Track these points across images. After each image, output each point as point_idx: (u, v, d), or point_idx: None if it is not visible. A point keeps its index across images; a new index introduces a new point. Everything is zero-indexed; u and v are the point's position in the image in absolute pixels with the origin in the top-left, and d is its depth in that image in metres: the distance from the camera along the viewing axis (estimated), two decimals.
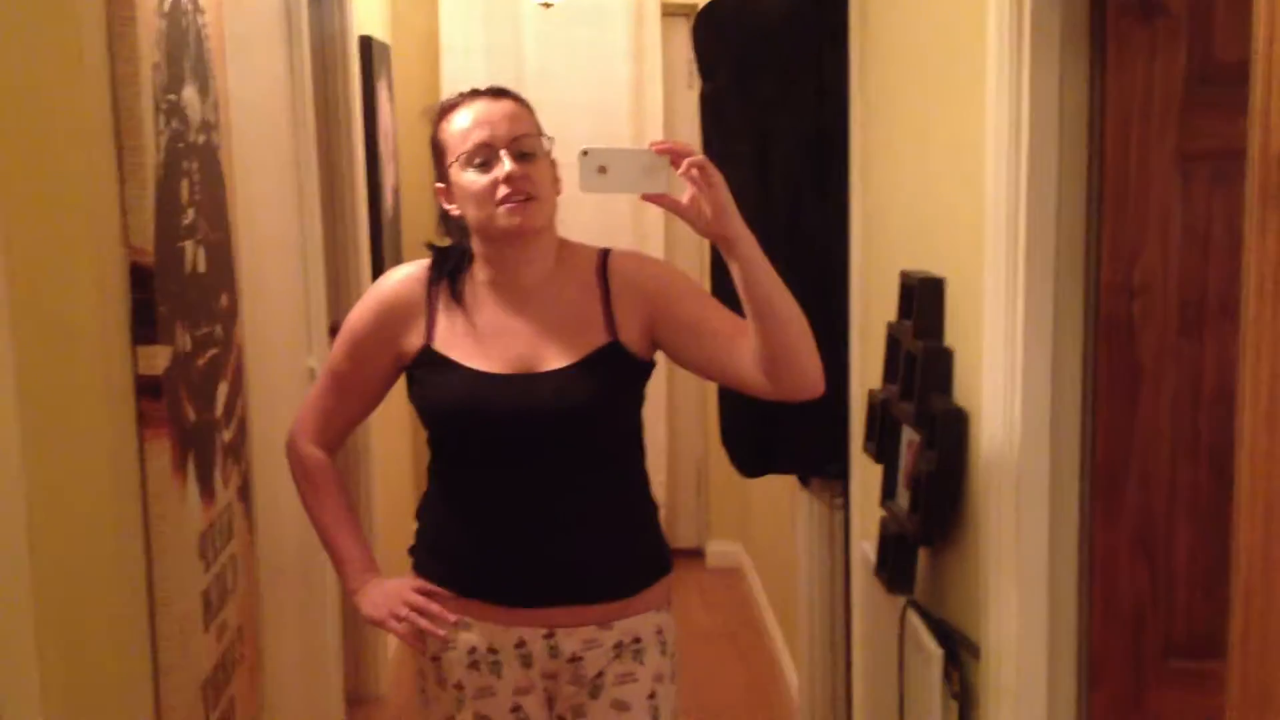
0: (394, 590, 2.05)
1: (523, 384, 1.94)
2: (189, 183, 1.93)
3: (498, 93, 2.00)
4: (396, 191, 4.45)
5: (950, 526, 2.15)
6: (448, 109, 2.00)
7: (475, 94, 2.00)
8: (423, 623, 2.01)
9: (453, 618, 2.01)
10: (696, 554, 5.47)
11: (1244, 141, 0.97)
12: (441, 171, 2.00)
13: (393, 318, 2.03)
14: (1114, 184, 1.74)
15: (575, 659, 2.00)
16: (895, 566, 2.33)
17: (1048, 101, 1.76)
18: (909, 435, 2.28)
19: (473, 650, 2.01)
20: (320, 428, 2.12)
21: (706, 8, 3.30)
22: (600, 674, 2.00)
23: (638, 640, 2.02)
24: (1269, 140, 0.89)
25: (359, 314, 2.06)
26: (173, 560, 1.77)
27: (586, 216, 4.39)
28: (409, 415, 2.11)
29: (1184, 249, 1.74)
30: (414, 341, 2.00)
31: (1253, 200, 0.90)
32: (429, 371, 1.99)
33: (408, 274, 2.06)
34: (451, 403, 1.97)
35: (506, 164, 1.91)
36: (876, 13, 2.71)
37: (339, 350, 2.08)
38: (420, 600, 2.02)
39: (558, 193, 2.00)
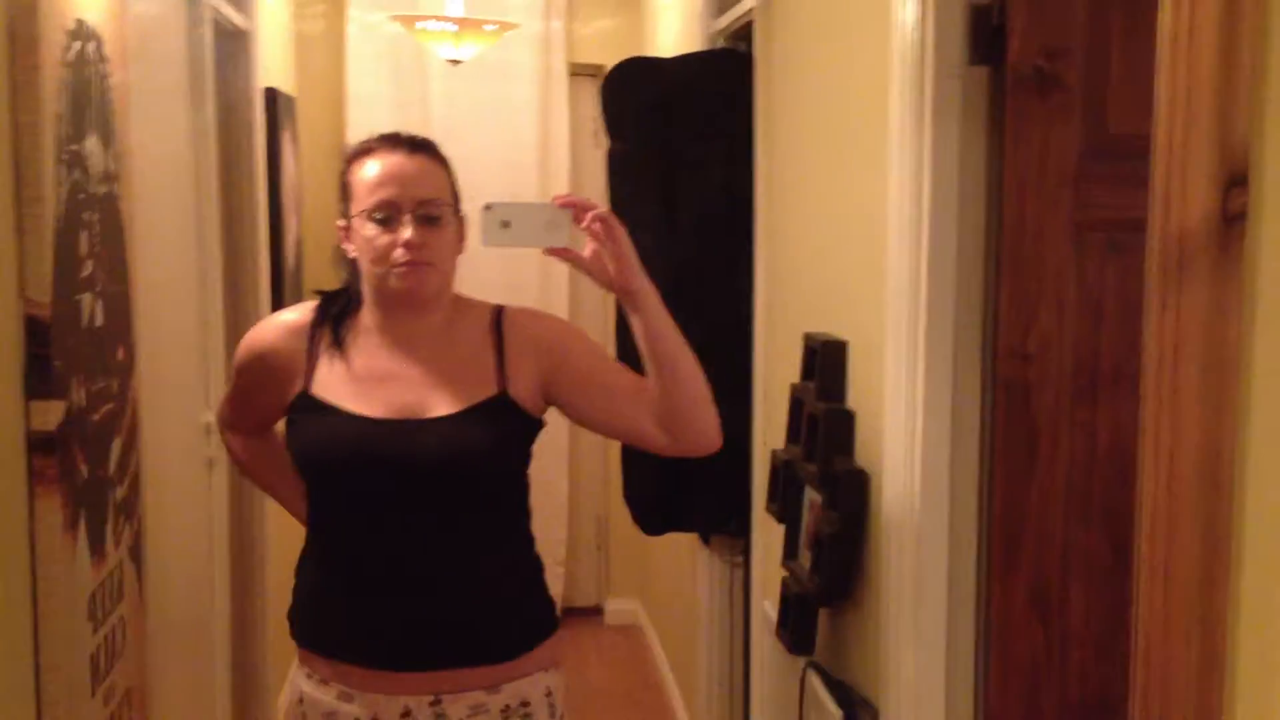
0: None
1: (404, 429, 1.90)
2: (89, 234, 1.89)
3: (415, 146, 1.95)
4: (299, 242, 4.40)
5: (851, 587, 2.17)
6: (361, 153, 1.95)
7: (393, 143, 1.94)
8: None
9: None
10: (596, 611, 5.44)
11: (1136, 212, 1.01)
12: (345, 210, 1.98)
13: (267, 368, 2.01)
14: (1010, 252, 1.78)
15: None
16: (796, 627, 2.34)
17: (948, 169, 1.80)
18: (811, 495, 2.30)
19: None
20: (238, 423, 2.19)
21: (615, 69, 3.34)
22: None
23: (525, 704, 1.97)
24: (1169, 219, 0.92)
25: (240, 356, 2.08)
26: (61, 622, 1.72)
27: (491, 272, 4.38)
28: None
29: (1078, 316, 1.79)
30: (292, 388, 1.97)
31: (1152, 277, 0.94)
32: (306, 415, 1.95)
33: (287, 321, 2.03)
34: (327, 446, 1.92)
35: (407, 230, 1.87)
36: (781, 78, 2.76)
37: (235, 369, 2.12)
38: None
39: (460, 252, 1.98)
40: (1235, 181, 0.90)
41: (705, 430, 1.91)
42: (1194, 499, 0.91)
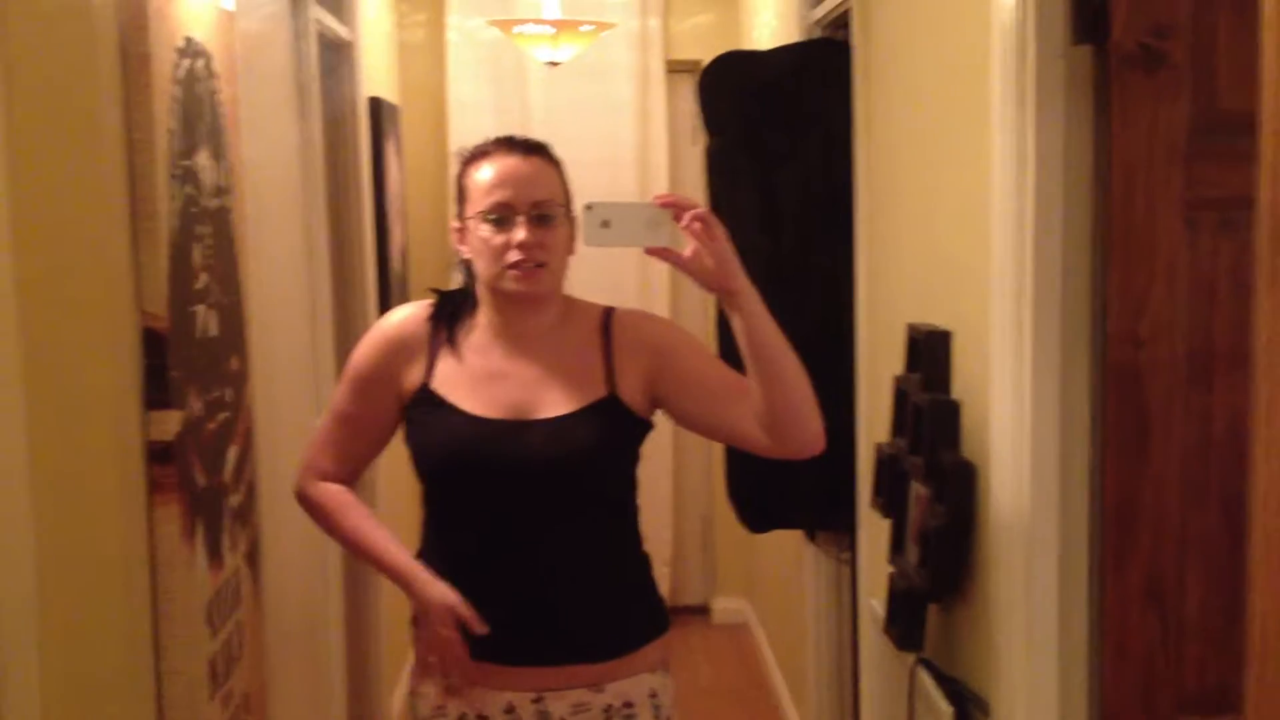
0: (439, 615, 1.96)
1: (516, 430, 1.94)
2: (201, 247, 1.95)
3: (530, 149, 1.99)
4: (404, 251, 4.48)
5: (960, 581, 2.14)
6: (477, 156, 1.99)
7: (508, 146, 1.98)
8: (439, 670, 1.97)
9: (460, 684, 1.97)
10: (702, 610, 5.44)
11: (1249, 190, 0.98)
12: (460, 212, 2.01)
13: (396, 354, 2.02)
14: (1120, 234, 1.74)
15: None
16: (904, 623, 2.31)
17: (1053, 152, 1.77)
18: (917, 489, 2.27)
19: (463, 716, 1.98)
20: (331, 468, 2.07)
21: (711, 64, 3.34)
22: None
23: (629, 705, 1.98)
24: (1277, 189, 0.90)
25: (363, 352, 2.06)
26: (180, 627, 1.77)
27: (592, 271, 4.40)
28: (410, 479, 2.10)
29: (1191, 298, 1.74)
30: (414, 379, 2.00)
31: (1263, 251, 0.91)
32: (425, 412, 1.98)
33: (411, 313, 2.06)
34: (444, 446, 1.96)
35: (521, 231, 1.91)
36: (880, 66, 2.73)
37: (343, 391, 2.07)
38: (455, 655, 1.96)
39: (571, 253, 2.00)
40: None
41: (808, 433, 1.89)
42: None
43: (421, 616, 1.99)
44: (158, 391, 1.75)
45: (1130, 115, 1.73)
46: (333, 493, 2.06)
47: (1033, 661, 1.85)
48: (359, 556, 2.11)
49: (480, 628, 1.93)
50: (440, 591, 1.94)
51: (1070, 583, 1.85)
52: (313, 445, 2.13)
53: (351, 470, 2.10)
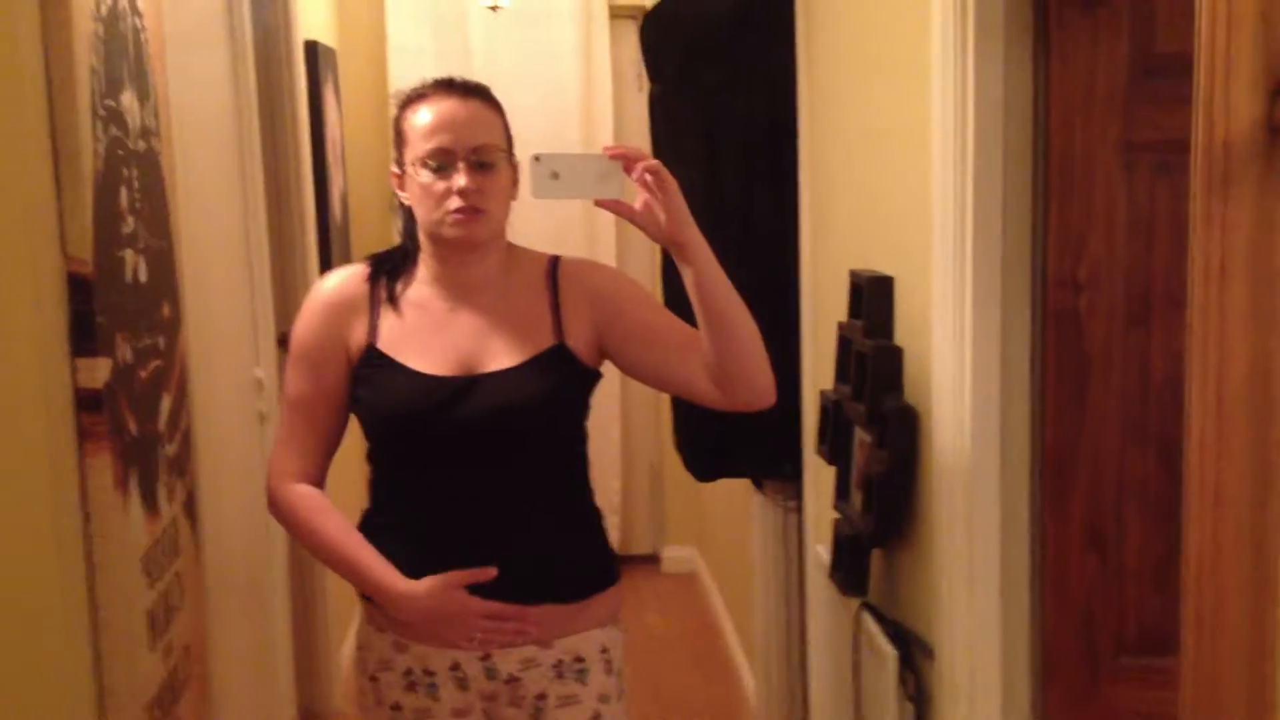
0: (456, 613, 1.91)
1: (464, 386, 1.90)
2: (128, 190, 1.89)
3: (469, 91, 1.93)
4: (345, 196, 4.41)
5: (903, 526, 2.15)
6: (415, 99, 1.94)
7: (447, 88, 1.93)
8: (508, 629, 1.92)
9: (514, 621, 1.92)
10: (652, 560, 5.46)
11: (1188, 132, 0.97)
12: (399, 158, 1.96)
13: (338, 318, 1.97)
14: (1059, 176, 1.74)
15: (513, 680, 1.94)
16: (849, 568, 2.32)
17: (992, 93, 1.76)
18: (861, 436, 2.28)
19: (409, 671, 1.96)
20: (298, 465, 1.99)
21: (653, 9, 3.30)
22: (542, 695, 1.95)
23: (580, 659, 1.96)
24: (1212, 130, 0.89)
25: (303, 324, 2.00)
26: (116, 578, 1.73)
27: (538, 221, 4.37)
28: (356, 443, 2.06)
29: (1129, 240, 1.75)
30: (359, 340, 1.95)
31: (1197, 188, 0.90)
32: (373, 372, 1.94)
33: (348, 274, 2.01)
34: (394, 405, 1.91)
35: (462, 177, 1.86)
36: (821, 9, 2.71)
37: (292, 374, 2.00)
38: (494, 609, 1.91)
39: (513, 198, 1.97)
40: None
41: (758, 387, 1.87)
42: (1244, 418, 0.88)
43: (435, 613, 1.92)
44: (85, 339, 1.70)
45: (1069, 56, 1.72)
46: (301, 494, 1.97)
47: (975, 605, 1.87)
48: (330, 564, 2.01)
49: (487, 573, 1.89)
50: (426, 588, 1.89)
51: (1011, 526, 1.86)
52: (275, 447, 2.03)
53: (318, 464, 2.01)
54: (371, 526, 2.01)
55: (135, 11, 1.96)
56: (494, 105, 1.96)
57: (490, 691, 1.95)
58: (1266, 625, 0.88)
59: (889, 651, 2.13)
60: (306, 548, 2.04)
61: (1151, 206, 1.73)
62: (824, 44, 2.70)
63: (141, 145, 1.98)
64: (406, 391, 1.91)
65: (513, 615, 1.91)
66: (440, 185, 1.88)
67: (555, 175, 1.76)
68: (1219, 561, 0.91)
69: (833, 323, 2.49)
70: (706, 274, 1.79)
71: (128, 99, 1.91)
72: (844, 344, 2.35)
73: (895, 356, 2.15)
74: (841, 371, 2.36)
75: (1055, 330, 1.78)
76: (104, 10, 1.80)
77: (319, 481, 2.01)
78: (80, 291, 1.69)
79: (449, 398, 1.90)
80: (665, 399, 4.30)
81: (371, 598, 1.97)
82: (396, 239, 2.05)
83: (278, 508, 2.00)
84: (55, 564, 1.61)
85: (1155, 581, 1.81)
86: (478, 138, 1.89)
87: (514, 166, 1.95)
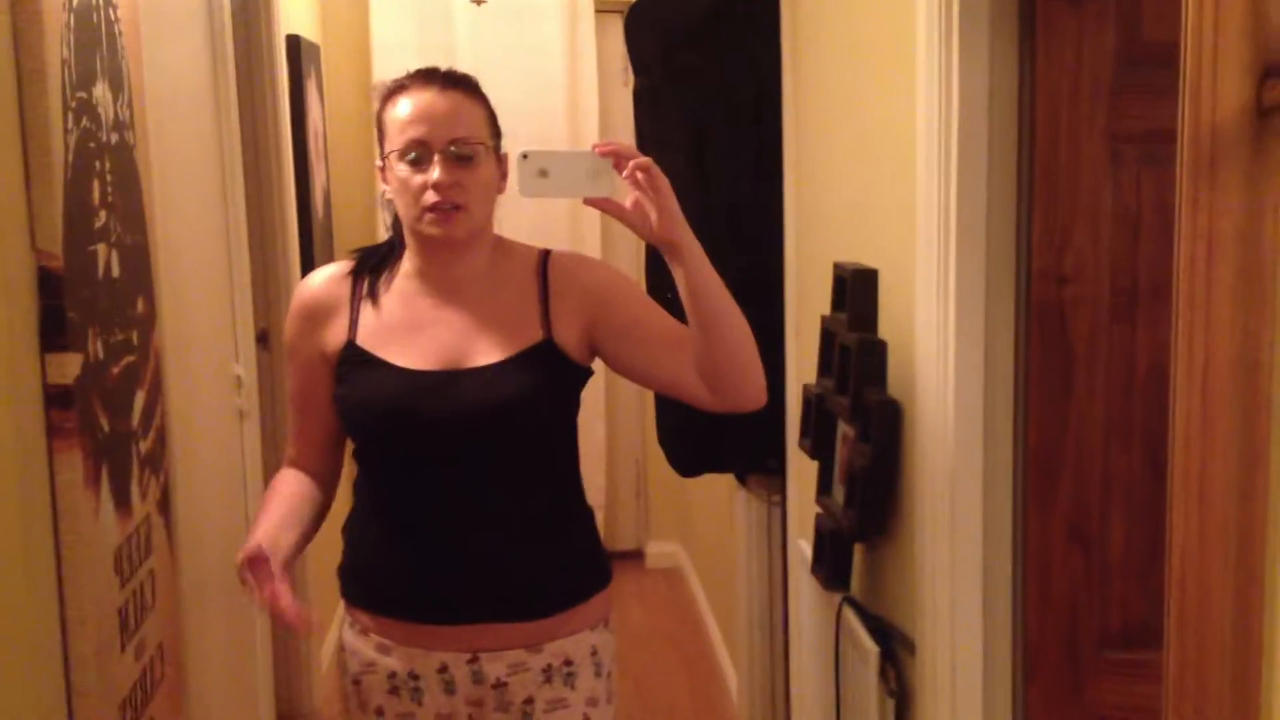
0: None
1: (447, 381, 1.87)
2: (101, 184, 1.87)
3: (450, 81, 1.88)
4: (327, 192, 4.38)
5: (885, 520, 2.13)
6: (395, 90, 1.90)
7: (426, 79, 1.88)
8: (249, 581, 1.74)
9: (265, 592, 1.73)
10: (636, 555, 5.44)
11: (1173, 122, 0.95)
12: (381, 151, 1.93)
13: (318, 316, 1.95)
14: (1044, 169, 1.72)
15: (500, 684, 1.91)
16: (831, 563, 2.31)
17: (977, 86, 1.74)
18: (844, 429, 2.26)
19: (393, 675, 1.93)
20: (297, 453, 2.00)
21: (638, 2, 3.28)
22: (529, 700, 1.92)
23: (569, 663, 1.93)
24: (1199, 115, 0.87)
25: (289, 325, 1.99)
26: (86, 577, 1.71)
27: (523, 216, 4.34)
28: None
29: (1114, 233, 1.73)
30: (338, 337, 1.93)
31: (1184, 172, 0.88)
32: (353, 369, 1.91)
33: (328, 274, 1.99)
34: (376, 401, 1.88)
35: (436, 171, 1.82)
36: (807, 1, 2.69)
37: (289, 372, 2.00)
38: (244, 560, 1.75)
39: (500, 191, 1.93)
40: (1271, 73, 0.84)
41: (749, 388, 1.83)
42: (1230, 409, 0.86)
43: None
44: (55, 334, 1.67)
45: (1055, 47, 1.70)
46: (278, 478, 1.98)
47: (957, 600, 1.85)
48: None
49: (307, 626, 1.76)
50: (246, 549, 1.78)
51: (994, 521, 1.85)
52: (292, 430, 2.04)
53: (321, 455, 1.99)
54: (355, 526, 1.98)
55: (109, 3, 1.93)
56: (478, 96, 1.91)
57: (477, 697, 1.92)
58: (1251, 617, 0.87)
59: (871, 646, 2.11)
60: None
61: (1138, 198, 1.71)
62: (808, 35, 2.68)
63: (115, 138, 1.95)
64: (387, 386, 1.88)
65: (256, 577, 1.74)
66: (417, 179, 1.84)
67: (544, 173, 1.72)
68: (1203, 554, 0.89)
69: (816, 315, 2.47)
70: (698, 274, 1.76)
71: (100, 91, 1.88)
72: (827, 337, 2.34)
73: (879, 350, 2.13)
74: (825, 365, 2.34)
75: (1039, 323, 1.76)
76: (75, 1, 1.77)
77: (320, 470, 2.00)
78: (50, 286, 1.67)
79: (431, 392, 1.86)
80: (649, 395, 4.28)
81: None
82: (384, 233, 2.02)
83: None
84: (22, 563, 1.59)
85: (1139, 576, 1.79)
86: (455, 130, 1.85)
87: (501, 160, 1.92)
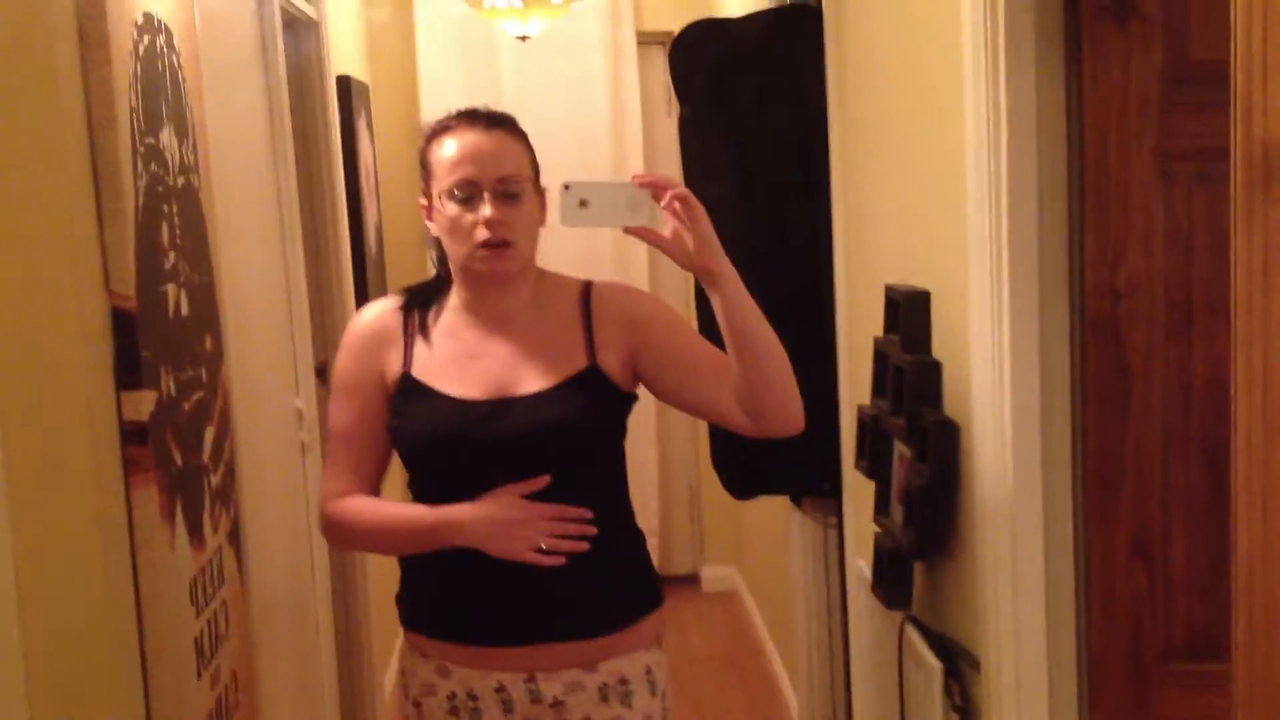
0: (520, 518, 1.88)
1: (497, 409, 1.92)
2: (169, 226, 1.92)
3: (494, 121, 1.95)
4: (379, 228, 4.44)
5: (945, 539, 2.14)
6: (440, 131, 1.96)
7: (470, 120, 1.95)
8: (572, 529, 1.89)
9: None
10: (692, 580, 5.45)
11: (1223, 139, 0.97)
12: (426, 190, 1.98)
13: (374, 350, 2.00)
14: (1095, 187, 1.74)
15: (557, 703, 1.94)
16: (891, 582, 2.31)
17: (1025, 107, 1.76)
18: (900, 449, 2.27)
19: (452, 696, 1.97)
20: (350, 488, 2.01)
21: (681, 34, 3.31)
22: (587, 718, 1.95)
23: (625, 682, 1.96)
24: (1251, 127, 0.89)
25: (342, 359, 2.04)
26: (164, 608, 1.75)
27: (569, 247, 4.39)
28: (397, 467, 2.08)
29: (1168, 249, 1.74)
30: (394, 370, 1.98)
31: (1238, 189, 0.90)
32: (408, 399, 1.96)
33: (380, 308, 2.05)
34: (429, 431, 1.93)
35: (487, 208, 1.88)
36: (850, 27, 2.71)
37: (336, 408, 2.03)
38: (555, 510, 1.89)
39: (541, 224, 1.98)
40: None
41: (787, 414, 1.88)
42: None
43: (500, 521, 1.89)
44: (130, 372, 1.72)
45: (1102, 68, 1.72)
46: (348, 503, 2.00)
47: (1020, 616, 1.86)
48: (392, 544, 2.03)
49: (540, 481, 1.89)
50: (485, 501, 1.89)
51: (1056, 537, 1.85)
52: (323, 478, 2.06)
53: (370, 489, 2.03)
54: (410, 556, 2.02)
55: (172, 49, 1.99)
56: (519, 135, 1.98)
57: (534, 716, 1.95)
58: None
59: (934, 664, 2.12)
60: (367, 546, 2.06)
61: (1189, 215, 1.72)
62: (854, 59, 2.71)
63: (181, 181, 2.00)
64: (440, 415, 1.93)
65: (575, 515, 1.90)
66: (467, 217, 1.90)
67: (584, 203, 1.77)
68: (1268, 563, 0.90)
69: (868, 338, 2.49)
70: (735, 302, 1.80)
71: (166, 136, 1.94)
72: (880, 359, 2.35)
73: (934, 370, 2.15)
74: (878, 386, 2.36)
75: (1095, 339, 1.77)
76: (142, 50, 1.83)
77: (379, 478, 2.04)
78: (124, 326, 1.72)
79: (482, 420, 1.91)
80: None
81: (444, 541, 1.93)
82: (431, 269, 2.07)
83: (331, 524, 2.02)
84: (103, 596, 1.63)
85: (1202, 588, 1.79)
86: (502, 168, 1.91)
87: (541, 194, 1.97)
